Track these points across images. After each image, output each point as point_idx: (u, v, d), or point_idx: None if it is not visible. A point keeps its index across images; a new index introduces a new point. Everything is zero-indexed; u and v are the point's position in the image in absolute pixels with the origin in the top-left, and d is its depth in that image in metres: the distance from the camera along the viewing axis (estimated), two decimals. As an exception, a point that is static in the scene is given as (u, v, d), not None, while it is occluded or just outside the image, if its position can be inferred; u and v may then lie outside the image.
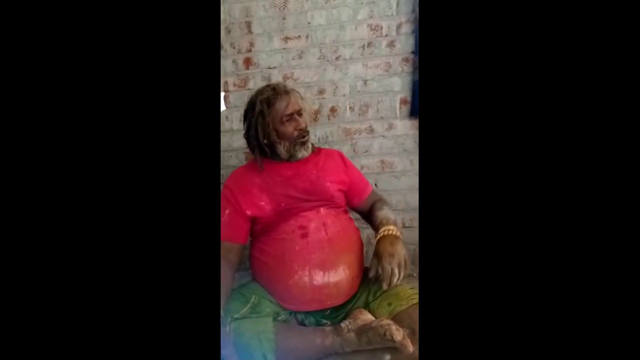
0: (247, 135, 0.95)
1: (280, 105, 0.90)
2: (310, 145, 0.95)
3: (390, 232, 0.86)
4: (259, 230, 0.92)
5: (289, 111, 0.90)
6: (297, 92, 0.95)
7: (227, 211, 0.90)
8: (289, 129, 0.90)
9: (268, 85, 0.95)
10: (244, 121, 0.96)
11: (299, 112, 0.92)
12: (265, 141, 0.91)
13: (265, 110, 0.90)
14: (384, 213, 0.94)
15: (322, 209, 0.90)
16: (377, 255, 0.83)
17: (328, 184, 0.92)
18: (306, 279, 0.83)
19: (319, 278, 0.84)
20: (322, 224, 0.88)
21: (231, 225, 0.90)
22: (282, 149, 0.92)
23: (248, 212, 0.89)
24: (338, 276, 0.85)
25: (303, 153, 0.92)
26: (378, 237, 0.87)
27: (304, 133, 0.92)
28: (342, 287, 0.87)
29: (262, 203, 0.89)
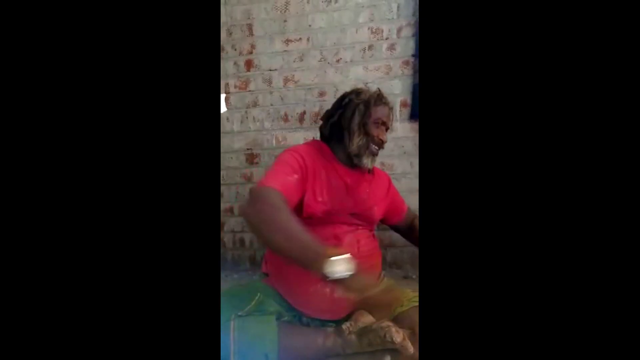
0: (337, 114, 0.93)
1: (384, 109, 0.93)
2: (374, 160, 0.94)
3: None
4: None
5: (385, 118, 0.92)
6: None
7: (296, 176, 0.83)
8: (376, 132, 0.91)
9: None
10: (340, 101, 0.95)
11: (387, 127, 0.94)
12: (355, 127, 0.90)
13: (372, 103, 0.91)
14: None
15: (359, 228, 0.91)
16: None
17: (375, 208, 0.95)
18: (328, 289, 0.82)
19: (341, 292, 0.84)
20: (357, 240, 0.89)
21: (294, 190, 0.82)
22: (355, 143, 0.90)
23: (307, 194, 0.84)
24: None
25: (366, 162, 0.92)
26: None
27: (382, 145, 0.93)
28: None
29: (320, 199, 0.86)
